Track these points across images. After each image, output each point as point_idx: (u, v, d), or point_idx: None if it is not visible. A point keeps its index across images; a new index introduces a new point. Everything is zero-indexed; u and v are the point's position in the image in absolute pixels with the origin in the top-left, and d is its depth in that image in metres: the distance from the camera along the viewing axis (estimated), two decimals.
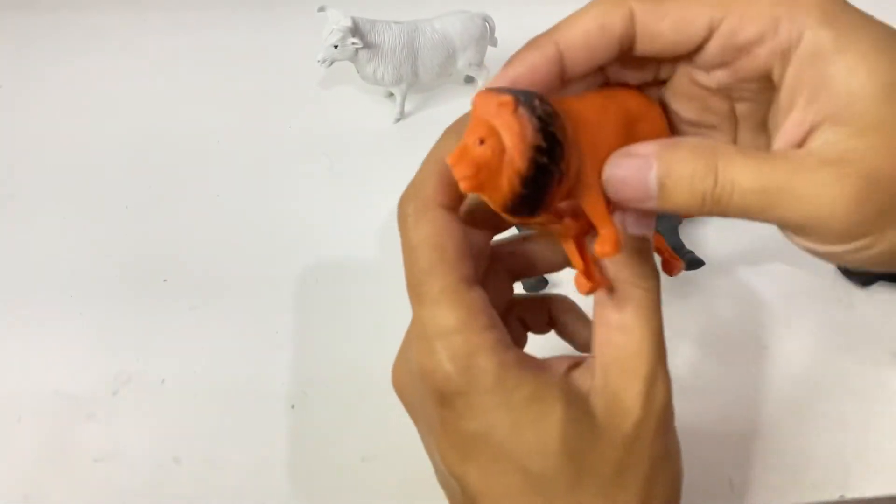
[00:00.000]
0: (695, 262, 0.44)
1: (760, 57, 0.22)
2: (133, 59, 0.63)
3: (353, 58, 0.53)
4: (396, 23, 0.54)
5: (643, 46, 0.23)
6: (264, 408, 0.40)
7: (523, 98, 0.20)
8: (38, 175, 0.53)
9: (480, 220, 0.26)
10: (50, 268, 0.47)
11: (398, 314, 0.44)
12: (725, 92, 0.24)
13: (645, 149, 0.22)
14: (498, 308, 0.26)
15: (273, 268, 0.47)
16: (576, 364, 0.25)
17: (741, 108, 0.25)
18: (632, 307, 0.24)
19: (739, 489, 0.36)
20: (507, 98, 0.20)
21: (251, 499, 0.37)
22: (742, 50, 0.22)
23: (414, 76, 0.55)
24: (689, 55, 0.23)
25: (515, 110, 0.20)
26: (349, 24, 0.51)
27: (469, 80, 0.61)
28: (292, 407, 0.40)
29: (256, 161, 0.54)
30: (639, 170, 0.22)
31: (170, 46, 0.65)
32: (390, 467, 0.37)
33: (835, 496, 0.36)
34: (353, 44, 0.51)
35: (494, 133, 0.20)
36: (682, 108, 0.26)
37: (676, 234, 0.45)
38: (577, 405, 0.23)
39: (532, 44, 0.24)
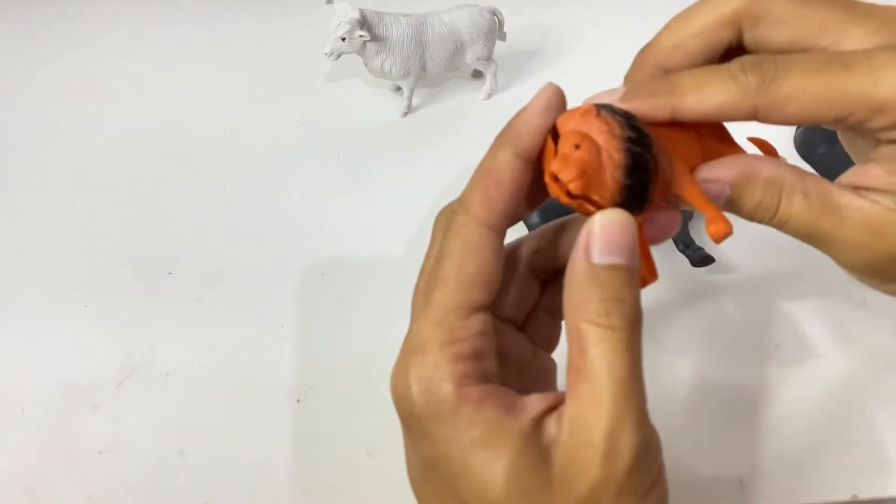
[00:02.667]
0: (705, 259, 0.44)
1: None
2: (140, 52, 0.63)
3: (361, 51, 0.53)
4: (405, 16, 0.53)
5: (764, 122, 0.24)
6: (270, 401, 0.39)
7: (601, 105, 0.22)
8: (43, 167, 0.53)
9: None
10: (55, 259, 0.47)
11: (405, 308, 0.44)
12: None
13: (724, 173, 0.24)
14: (523, 309, 0.26)
15: (279, 261, 0.46)
16: (557, 405, 0.22)
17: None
18: (593, 350, 0.21)
19: (749, 488, 0.36)
20: (588, 106, 0.22)
21: (256, 493, 0.36)
22: (867, 134, 0.24)
23: (422, 70, 0.55)
24: None
25: (598, 114, 0.22)
26: (357, 16, 0.50)
27: (477, 74, 0.60)
28: (298, 401, 0.39)
29: (263, 154, 0.54)
30: (714, 198, 0.24)
31: (177, 39, 0.64)
32: (396, 462, 0.37)
33: (847, 496, 0.36)
34: (361, 36, 0.51)
35: (587, 137, 0.22)
36: None
37: (686, 229, 0.45)
38: (532, 456, 0.21)
39: (651, 93, 0.24)
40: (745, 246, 0.46)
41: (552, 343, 0.29)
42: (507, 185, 0.23)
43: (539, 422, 0.22)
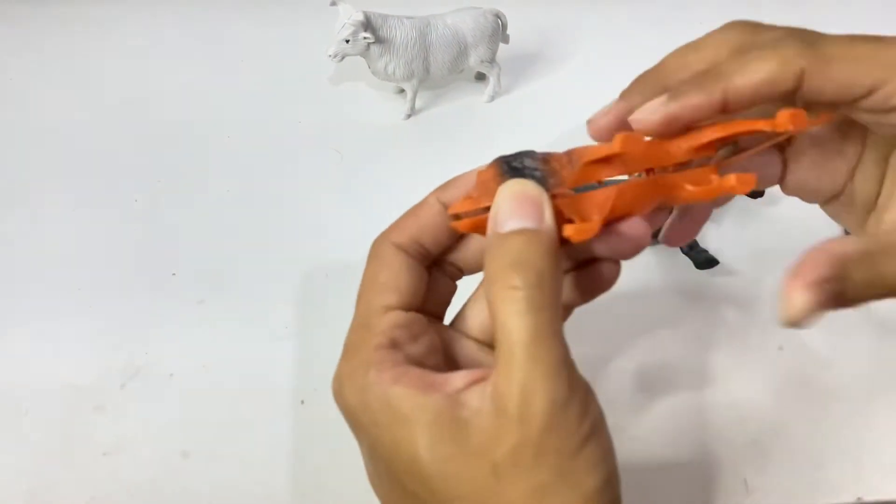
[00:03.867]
0: (710, 262, 0.44)
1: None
2: (144, 53, 0.63)
3: (365, 53, 0.53)
4: (408, 18, 0.53)
5: (806, 97, 0.24)
6: (273, 403, 0.39)
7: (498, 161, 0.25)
8: (47, 168, 0.53)
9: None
10: (59, 261, 0.47)
11: None
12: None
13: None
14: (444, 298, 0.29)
15: (283, 262, 0.46)
16: (482, 379, 0.23)
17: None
18: (500, 316, 0.21)
19: (754, 490, 0.36)
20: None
21: (260, 494, 0.36)
22: (892, 110, 0.24)
23: (425, 72, 0.55)
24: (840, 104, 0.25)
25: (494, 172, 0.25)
26: (361, 18, 0.50)
27: (480, 76, 0.60)
28: (302, 402, 0.39)
29: (266, 156, 0.54)
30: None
31: (180, 41, 0.65)
32: None
33: (852, 498, 0.36)
34: (365, 38, 0.51)
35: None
36: (799, 164, 0.28)
37: None
38: (448, 428, 0.22)
39: (699, 84, 0.24)
40: (749, 249, 0.46)
41: None
42: (425, 217, 0.27)
43: (458, 396, 0.22)
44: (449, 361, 0.27)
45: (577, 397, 0.21)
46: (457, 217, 0.26)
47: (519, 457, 0.21)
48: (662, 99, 0.24)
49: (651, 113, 0.24)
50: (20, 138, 0.55)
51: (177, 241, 0.48)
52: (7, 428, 0.38)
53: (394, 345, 0.24)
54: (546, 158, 0.24)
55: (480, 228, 0.24)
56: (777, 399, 0.39)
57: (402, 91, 0.58)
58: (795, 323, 0.23)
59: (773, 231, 0.47)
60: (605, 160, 0.24)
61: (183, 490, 0.36)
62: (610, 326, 0.41)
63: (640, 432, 0.37)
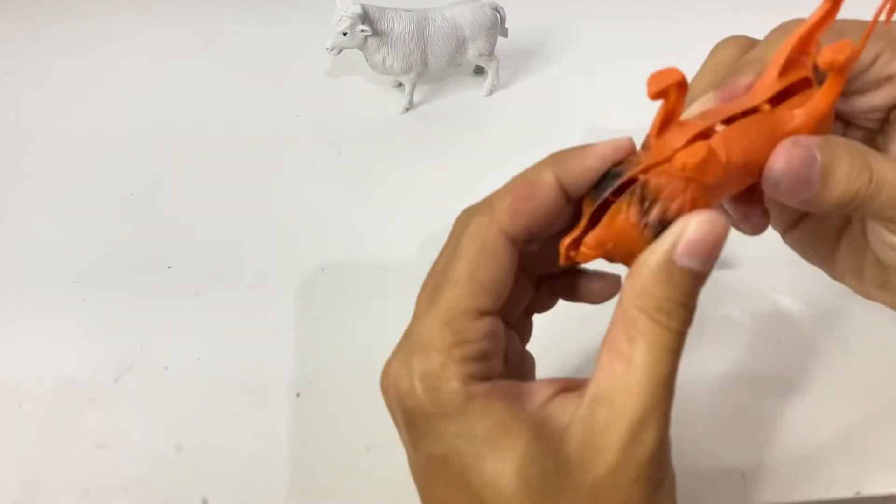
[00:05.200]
0: None
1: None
2: (139, 48, 0.63)
3: (362, 46, 0.52)
4: (406, 11, 0.53)
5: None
6: (269, 396, 0.39)
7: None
8: (43, 162, 0.53)
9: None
10: (54, 253, 0.46)
11: (405, 304, 0.43)
12: (848, 118, 0.28)
13: (807, 140, 0.23)
14: (518, 309, 0.27)
15: (279, 256, 0.46)
16: (566, 389, 0.23)
17: (852, 134, 0.28)
18: (644, 342, 0.21)
19: (752, 484, 0.36)
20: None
21: (254, 488, 0.36)
22: (890, 78, 0.26)
23: (423, 65, 0.55)
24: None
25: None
26: (359, 10, 0.50)
27: (479, 70, 0.60)
28: (297, 395, 0.39)
29: (263, 150, 0.54)
30: (804, 161, 0.23)
31: (177, 35, 0.64)
32: (396, 458, 0.37)
33: (850, 493, 0.35)
34: (363, 31, 0.51)
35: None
36: None
37: None
38: (546, 441, 0.21)
39: (742, 68, 0.26)
40: (747, 242, 0.46)
41: (528, 337, 0.29)
42: (540, 203, 0.23)
43: (547, 408, 0.22)
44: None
45: (669, 444, 0.22)
46: (572, 246, 0.23)
47: (619, 476, 0.21)
48: (709, 97, 0.25)
49: (716, 97, 0.25)
50: (15, 131, 0.55)
51: (172, 235, 0.47)
52: (1, 421, 0.38)
53: (484, 358, 0.23)
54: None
55: (620, 255, 0.23)
56: (775, 393, 0.39)
57: (400, 85, 0.58)
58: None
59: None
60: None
61: (177, 483, 0.36)
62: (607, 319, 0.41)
63: None
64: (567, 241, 0.24)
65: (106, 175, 0.52)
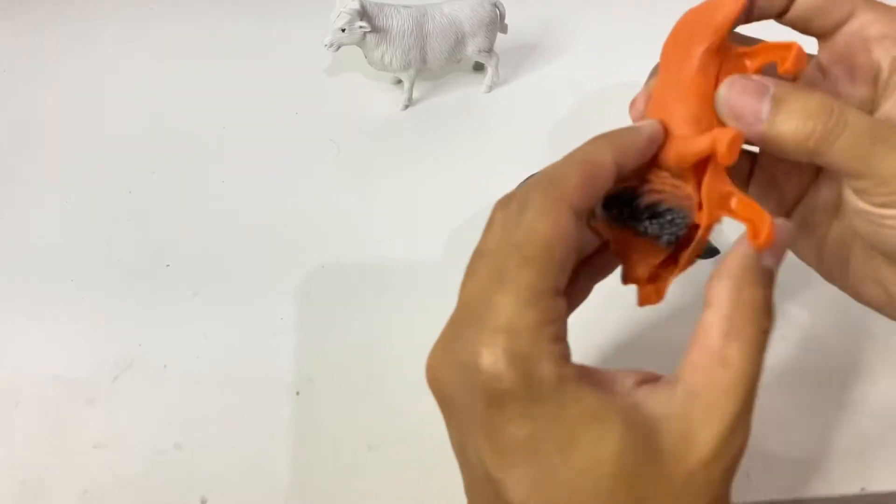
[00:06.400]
0: (710, 251, 0.43)
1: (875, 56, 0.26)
2: (138, 45, 0.63)
3: (361, 42, 0.52)
4: (405, 7, 0.53)
5: (797, 12, 0.26)
6: (268, 394, 0.39)
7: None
8: (41, 159, 0.53)
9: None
10: (53, 252, 0.46)
11: (404, 300, 0.43)
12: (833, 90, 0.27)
13: (764, 78, 0.24)
14: (573, 307, 0.27)
15: (278, 253, 0.46)
16: (645, 381, 0.23)
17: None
18: (741, 342, 0.22)
19: (757, 481, 0.35)
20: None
21: (254, 486, 0.36)
22: (865, 42, 0.26)
23: (422, 62, 0.54)
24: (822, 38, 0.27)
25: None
26: (357, 6, 0.50)
27: (478, 67, 0.60)
28: (297, 394, 0.39)
29: (262, 147, 0.53)
30: (756, 89, 0.24)
31: (175, 33, 0.64)
32: (397, 456, 0.37)
33: (855, 489, 0.35)
34: (361, 27, 0.50)
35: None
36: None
37: None
38: (639, 429, 0.21)
39: None
40: None
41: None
42: (604, 183, 0.24)
43: (633, 396, 0.22)
44: None
45: None
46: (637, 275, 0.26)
47: (712, 468, 0.21)
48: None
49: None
50: (14, 130, 0.55)
51: (171, 233, 0.47)
52: None
53: (565, 338, 0.23)
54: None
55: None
56: (779, 389, 0.39)
57: (399, 82, 0.58)
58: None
59: None
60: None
61: (176, 482, 0.36)
62: (607, 316, 0.41)
63: None
64: (642, 276, 0.26)
65: (104, 174, 0.51)
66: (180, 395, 0.39)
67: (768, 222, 0.23)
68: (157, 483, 0.36)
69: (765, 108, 0.24)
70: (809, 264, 0.31)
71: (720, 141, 0.23)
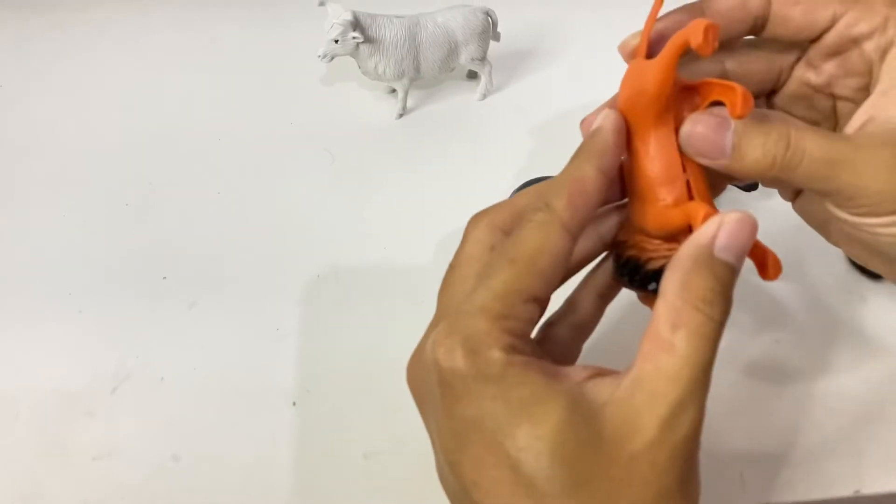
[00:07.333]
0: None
1: (867, 51, 0.27)
2: (133, 56, 0.63)
3: (355, 52, 0.52)
4: (398, 17, 0.53)
5: (773, 28, 0.28)
6: (265, 405, 0.39)
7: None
8: (38, 172, 0.53)
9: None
10: (49, 265, 0.46)
11: (400, 309, 0.44)
12: (829, 89, 0.29)
13: (722, 111, 0.25)
14: (587, 333, 0.31)
15: (274, 264, 0.46)
16: (600, 374, 0.24)
17: (842, 106, 0.29)
18: (686, 330, 0.22)
19: (750, 484, 0.36)
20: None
21: (252, 497, 0.36)
22: (854, 41, 0.27)
23: (416, 71, 0.55)
24: (809, 42, 0.28)
25: None
26: (350, 17, 0.50)
27: (472, 75, 0.60)
28: (294, 404, 0.39)
29: (257, 157, 0.54)
30: (717, 127, 0.25)
31: (170, 43, 0.64)
32: (393, 464, 0.37)
33: (849, 491, 0.35)
34: (354, 38, 0.51)
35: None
36: (792, 107, 0.30)
37: None
38: (582, 413, 0.22)
39: (684, 8, 0.28)
40: None
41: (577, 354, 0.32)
42: (591, 196, 0.26)
43: (583, 385, 0.23)
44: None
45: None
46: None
47: (656, 452, 0.22)
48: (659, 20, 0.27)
49: (633, 36, 0.28)
50: (10, 141, 0.55)
51: (167, 244, 0.47)
52: None
53: (523, 337, 0.24)
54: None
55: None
56: (773, 392, 0.39)
57: (393, 91, 0.58)
58: None
59: (767, 226, 0.47)
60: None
61: (175, 493, 0.36)
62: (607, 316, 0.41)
63: None
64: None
65: (101, 185, 0.52)
66: (178, 407, 0.39)
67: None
68: (155, 494, 0.36)
69: (727, 143, 0.25)
70: (821, 235, 0.31)
71: (695, 218, 0.25)
